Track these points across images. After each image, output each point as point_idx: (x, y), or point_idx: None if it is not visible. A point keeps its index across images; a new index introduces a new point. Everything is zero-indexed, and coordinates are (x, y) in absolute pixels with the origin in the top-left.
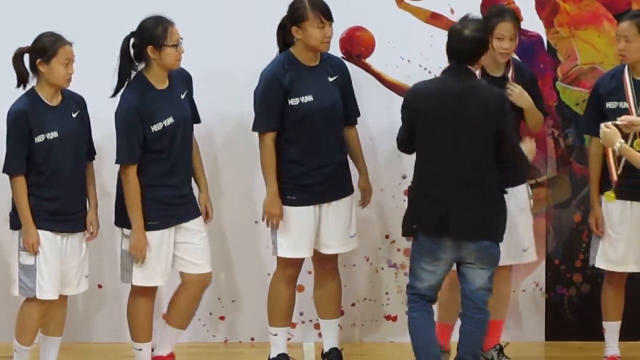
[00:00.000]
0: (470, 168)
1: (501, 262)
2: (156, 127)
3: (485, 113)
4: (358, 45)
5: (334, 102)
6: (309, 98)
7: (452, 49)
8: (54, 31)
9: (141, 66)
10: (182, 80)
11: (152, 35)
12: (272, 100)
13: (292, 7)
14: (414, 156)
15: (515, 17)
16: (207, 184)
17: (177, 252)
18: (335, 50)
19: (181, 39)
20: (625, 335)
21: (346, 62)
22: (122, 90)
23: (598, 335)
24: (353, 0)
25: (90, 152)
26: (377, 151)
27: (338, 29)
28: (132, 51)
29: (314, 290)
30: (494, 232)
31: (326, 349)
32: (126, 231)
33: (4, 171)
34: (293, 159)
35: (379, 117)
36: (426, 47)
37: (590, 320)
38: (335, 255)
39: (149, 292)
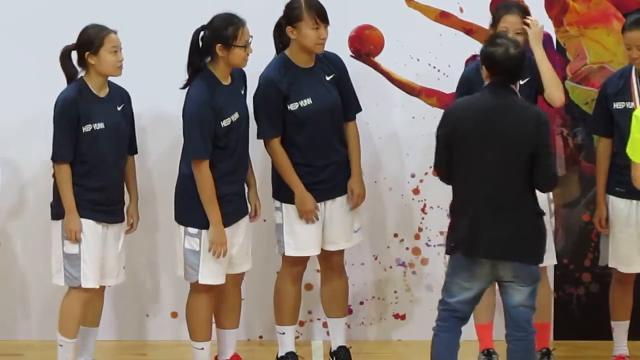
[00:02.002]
0: (501, 187)
1: None
2: (225, 123)
3: (522, 132)
4: (367, 43)
5: (333, 103)
6: (307, 101)
7: (504, 68)
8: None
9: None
10: (240, 76)
11: (222, 34)
12: (273, 107)
13: (288, 7)
14: (422, 155)
15: (524, 11)
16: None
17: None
18: (344, 48)
19: (251, 37)
20: (634, 334)
21: (354, 60)
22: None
23: (607, 334)
24: None
25: (132, 146)
26: (385, 149)
27: (347, 27)
28: (200, 44)
29: (321, 288)
30: (527, 252)
31: (334, 348)
32: (190, 230)
33: (52, 158)
34: (297, 161)
35: (387, 115)
36: (435, 46)
37: (599, 319)
38: (341, 252)
39: (212, 290)
